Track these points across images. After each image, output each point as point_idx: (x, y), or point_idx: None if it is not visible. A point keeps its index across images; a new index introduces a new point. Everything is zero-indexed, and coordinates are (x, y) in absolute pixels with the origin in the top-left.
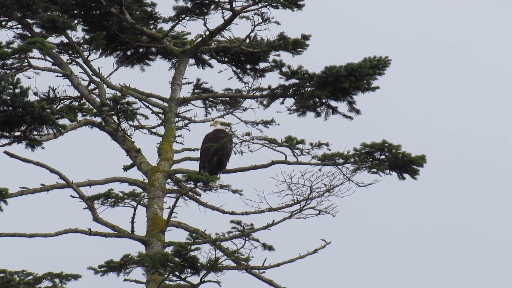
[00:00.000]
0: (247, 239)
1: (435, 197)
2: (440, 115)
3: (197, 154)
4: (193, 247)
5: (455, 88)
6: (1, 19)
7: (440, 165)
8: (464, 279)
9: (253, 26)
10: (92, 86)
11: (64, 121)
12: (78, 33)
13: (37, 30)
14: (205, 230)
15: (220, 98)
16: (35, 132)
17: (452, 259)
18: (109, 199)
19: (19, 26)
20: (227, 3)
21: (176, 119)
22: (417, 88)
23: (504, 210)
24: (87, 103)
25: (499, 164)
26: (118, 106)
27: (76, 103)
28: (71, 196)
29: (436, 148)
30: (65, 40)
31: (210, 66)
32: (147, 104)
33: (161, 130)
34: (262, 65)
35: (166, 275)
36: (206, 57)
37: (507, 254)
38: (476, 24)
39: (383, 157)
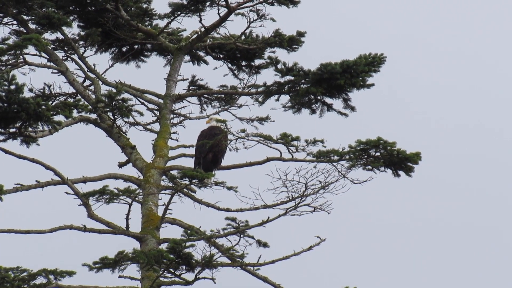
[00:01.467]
0: (242, 236)
1: (432, 193)
2: (440, 109)
3: (192, 151)
4: (188, 243)
5: (453, 82)
6: None
7: (437, 160)
8: (461, 278)
9: (248, 23)
10: (87, 82)
11: (59, 118)
12: (73, 30)
13: (32, 26)
14: (200, 227)
15: (215, 95)
16: (30, 129)
17: (449, 255)
18: (104, 196)
19: (15, 22)
20: (223, 0)
21: (171, 115)
22: (415, 82)
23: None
24: (82, 99)
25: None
26: (113, 103)
27: (72, 100)
28: (66, 192)
29: (430, 141)
30: (61, 37)
31: (206, 62)
32: (142, 101)
33: (156, 126)
34: (257, 62)
35: (160, 272)
36: (201, 53)
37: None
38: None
39: (378, 154)
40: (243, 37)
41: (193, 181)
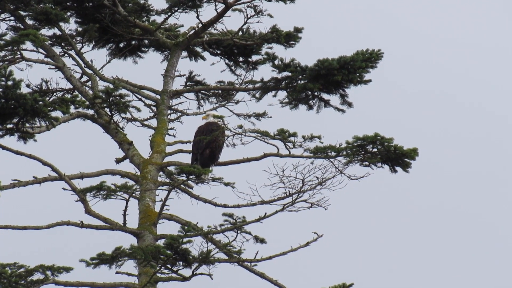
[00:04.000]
0: (239, 232)
1: (428, 190)
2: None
3: (189, 147)
4: (185, 239)
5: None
6: None
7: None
8: (458, 274)
9: (245, 19)
10: (84, 78)
11: (57, 114)
12: (71, 25)
13: (30, 22)
14: (197, 223)
15: (213, 91)
16: (27, 125)
17: (446, 249)
18: (101, 192)
19: (12, 18)
20: None
21: (169, 111)
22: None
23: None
24: (79, 95)
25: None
26: (111, 99)
27: (69, 96)
28: (63, 188)
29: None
30: (58, 32)
31: (203, 58)
32: (139, 97)
33: (154, 122)
34: (254, 57)
35: (158, 268)
36: (198, 49)
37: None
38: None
39: (375, 150)
40: (240, 33)
41: (190, 177)
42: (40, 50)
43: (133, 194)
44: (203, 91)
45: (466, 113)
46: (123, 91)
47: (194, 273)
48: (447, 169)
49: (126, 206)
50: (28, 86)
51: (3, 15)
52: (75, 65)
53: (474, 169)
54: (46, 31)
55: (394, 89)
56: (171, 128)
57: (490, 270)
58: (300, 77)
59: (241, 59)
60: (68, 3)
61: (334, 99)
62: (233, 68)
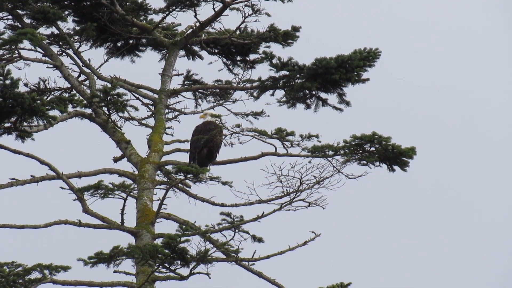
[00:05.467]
0: (236, 231)
1: (427, 189)
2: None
3: (187, 146)
4: (182, 239)
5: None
6: None
7: (432, 156)
8: (457, 273)
9: (243, 18)
10: (82, 77)
11: (55, 113)
12: (68, 24)
13: (27, 21)
14: (195, 222)
15: (210, 90)
16: (25, 123)
17: (445, 248)
18: (99, 191)
19: (10, 17)
20: None
21: (166, 110)
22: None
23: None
24: (77, 94)
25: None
26: (108, 98)
27: (67, 95)
28: (61, 187)
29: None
30: (56, 31)
31: (200, 57)
32: (137, 96)
33: (151, 121)
34: (252, 56)
35: (155, 267)
36: (196, 48)
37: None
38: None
39: (373, 149)
40: (238, 32)
41: (188, 176)
42: (38, 49)
43: (131, 193)
44: (201, 90)
45: (464, 109)
46: (120, 90)
47: (192, 272)
48: (447, 168)
49: (124, 205)
50: (26, 85)
51: (1, 14)
52: (73, 64)
53: (474, 166)
54: (44, 30)
55: (393, 84)
56: (169, 127)
57: (488, 267)
58: (298, 76)
59: (238, 58)
60: (66, 2)
61: (332, 98)
62: (230, 67)
